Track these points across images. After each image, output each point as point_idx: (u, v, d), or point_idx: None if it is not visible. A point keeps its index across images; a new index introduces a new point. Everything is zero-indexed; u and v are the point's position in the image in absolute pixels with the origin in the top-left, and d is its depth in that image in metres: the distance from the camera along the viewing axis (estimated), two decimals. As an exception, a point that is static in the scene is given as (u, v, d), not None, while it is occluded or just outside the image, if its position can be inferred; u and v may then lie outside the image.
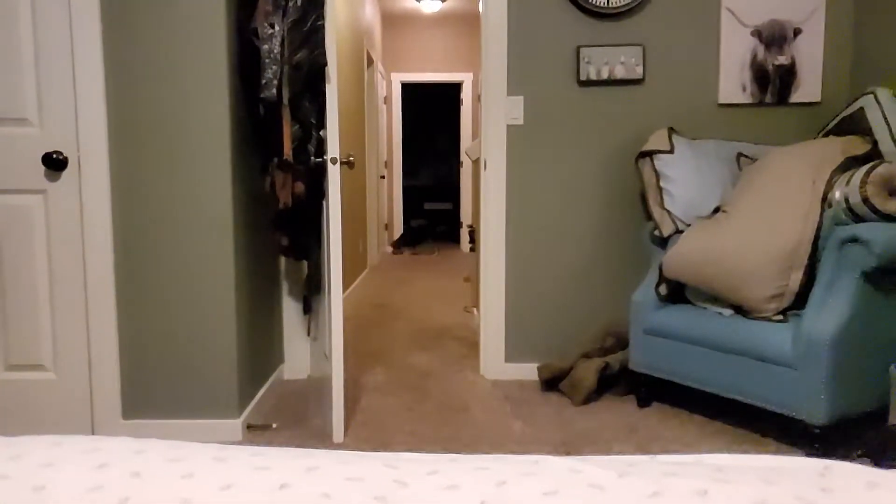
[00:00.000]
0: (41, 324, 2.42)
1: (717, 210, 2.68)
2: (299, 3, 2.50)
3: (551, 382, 2.99)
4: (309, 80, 2.55)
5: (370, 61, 6.71)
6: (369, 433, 2.53)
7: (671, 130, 2.93)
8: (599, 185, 3.17)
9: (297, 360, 3.20)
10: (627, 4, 3.04)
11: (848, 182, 2.28)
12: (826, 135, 2.75)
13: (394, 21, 8.13)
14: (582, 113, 3.14)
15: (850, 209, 2.26)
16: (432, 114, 10.71)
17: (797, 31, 3.06)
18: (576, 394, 2.83)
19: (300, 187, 2.72)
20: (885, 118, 2.55)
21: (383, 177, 7.88)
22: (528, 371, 3.15)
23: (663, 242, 2.83)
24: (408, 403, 2.86)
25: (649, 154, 2.88)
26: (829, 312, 2.20)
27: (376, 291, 5.67)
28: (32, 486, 0.72)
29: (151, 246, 2.41)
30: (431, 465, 0.79)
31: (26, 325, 2.42)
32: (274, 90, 2.48)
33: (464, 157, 8.13)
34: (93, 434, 2.47)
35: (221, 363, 2.45)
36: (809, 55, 3.07)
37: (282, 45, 2.48)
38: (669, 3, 3.08)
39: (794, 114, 3.11)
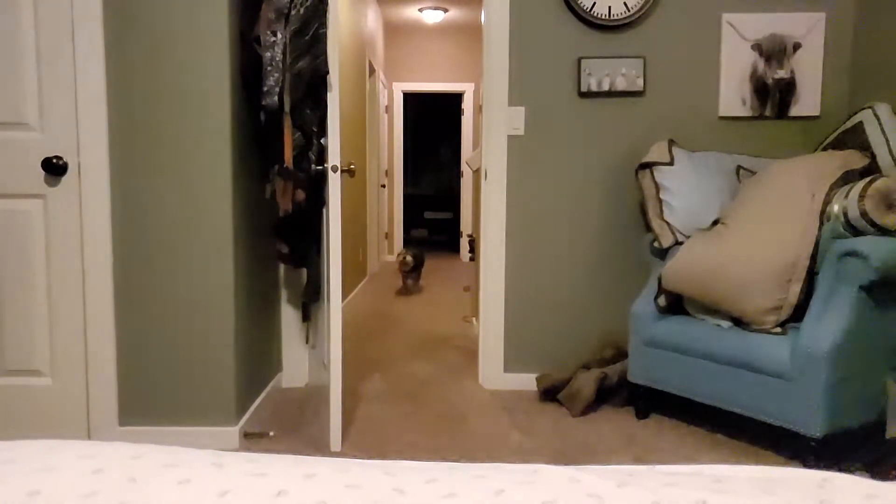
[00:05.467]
0: (38, 329, 2.42)
1: (716, 222, 2.68)
2: (302, 11, 2.51)
3: (550, 393, 2.98)
4: (310, 88, 2.56)
5: (372, 70, 6.74)
6: (367, 442, 2.52)
7: (671, 142, 2.94)
8: (599, 195, 3.17)
9: (295, 367, 3.19)
10: (629, 17, 3.06)
11: (846, 196, 2.29)
12: (825, 149, 2.76)
13: (396, 30, 8.17)
14: (583, 124, 3.15)
15: (848, 223, 2.26)
16: (433, 123, 10.74)
17: (797, 46, 3.07)
18: (574, 404, 2.83)
19: (301, 195, 2.72)
20: (884, 133, 2.57)
21: (384, 185, 7.90)
22: (527, 381, 3.14)
23: (662, 254, 2.83)
24: (406, 412, 2.85)
25: (649, 166, 2.89)
26: (827, 325, 2.20)
27: (376, 300, 5.66)
28: (27, 491, 0.72)
29: (150, 252, 2.41)
30: (430, 473, 0.79)
31: (23, 329, 2.41)
32: (275, 98, 2.49)
33: (464, 167, 8.15)
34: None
35: (219, 370, 2.44)
36: (809, 69, 3.09)
37: (284, 53, 2.49)
38: (670, 16, 3.10)
39: (793, 127, 3.12)
